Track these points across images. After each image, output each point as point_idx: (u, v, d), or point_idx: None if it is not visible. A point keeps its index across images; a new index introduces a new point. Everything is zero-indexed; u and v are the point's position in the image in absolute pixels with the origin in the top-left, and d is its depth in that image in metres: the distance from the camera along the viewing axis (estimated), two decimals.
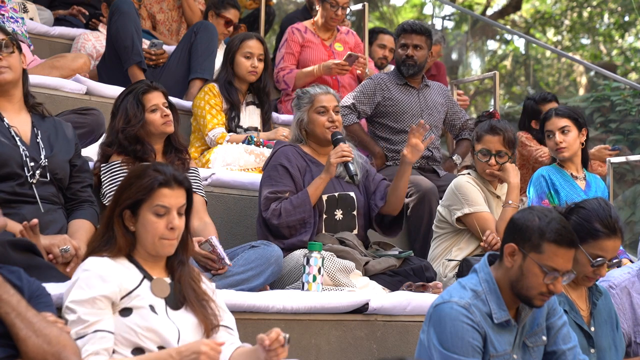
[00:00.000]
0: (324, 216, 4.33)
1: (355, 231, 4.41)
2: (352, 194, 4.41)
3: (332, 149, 4.37)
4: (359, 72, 6.18)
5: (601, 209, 3.40)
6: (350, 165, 4.30)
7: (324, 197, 4.32)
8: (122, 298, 2.84)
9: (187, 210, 3.00)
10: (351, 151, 4.29)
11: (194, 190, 4.17)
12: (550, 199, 4.80)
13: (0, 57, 3.58)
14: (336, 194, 4.36)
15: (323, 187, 4.27)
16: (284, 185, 4.27)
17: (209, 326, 2.93)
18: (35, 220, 3.28)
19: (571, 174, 4.91)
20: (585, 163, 5.02)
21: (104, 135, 4.36)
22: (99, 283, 2.81)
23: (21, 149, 3.54)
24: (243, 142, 5.10)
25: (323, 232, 4.33)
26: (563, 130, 4.87)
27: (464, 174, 4.70)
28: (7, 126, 3.57)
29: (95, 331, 2.75)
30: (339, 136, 4.37)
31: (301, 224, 4.21)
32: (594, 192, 4.93)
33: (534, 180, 4.92)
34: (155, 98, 4.14)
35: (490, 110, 4.86)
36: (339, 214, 4.37)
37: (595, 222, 3.38)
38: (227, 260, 3.84)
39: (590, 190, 4.92)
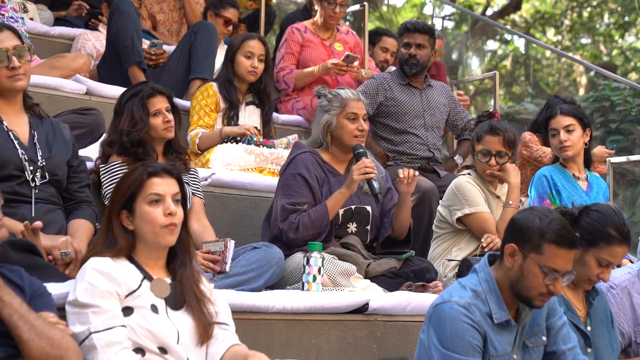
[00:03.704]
0: (336, 227, 4.27)
1: (365, 242, 4.39)
2: (368, 208, 4.34)
3: (351, 157, 4.33)
4: (355, 74, 6.17)
5: (615, 215, 3.43)
6: (374, 182, 4.20)
7: (340, 211, 4.24)
8: (126, 296, 2.85)
9: (184, 205, 3.02)
10: (374, 167, 4.20)
11: (193, 192, 4.21)
12: (552, 200, 4.78)
13: (19, 64, 3.59)
14: (353, 207, 4.29)
15: (342, 202, 4.18)
16: (303, 197, 4.18)
17: (205, 329, 2.94)
18: (39, 223, 3.28)
19: (573, 174, 4.89)
20: (587, 164, 5.00)
21: (104, 133, 4.36)
22: (106, 280, 2.83)
23: (20, 152, 3.54)
24: (243, 142, 5.08)
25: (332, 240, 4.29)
26: (567, 129, 4.86)
27: (464, 174, 4.69)
28: (6, 129, 3.57)
29: (122, 326, 2.78)
30: (360, 150, 4.28)
31: (316, 238, 4.13)
32: (595, 193, 4.91)
33: (536, 180, 4.90)
34: (159, 102, 4.13)
35: (490, 111, 4.84)
36: (352, 227, 4.31)
37: (609, 227, 3.39)
38: (227, 267, 3.84)
39: (592, 191, 4.90)
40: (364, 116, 4.37)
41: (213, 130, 5.15)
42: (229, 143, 5.06)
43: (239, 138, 5.09)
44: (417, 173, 4.37)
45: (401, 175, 4.28)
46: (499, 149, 4.56)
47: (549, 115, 4.99)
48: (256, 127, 5.32)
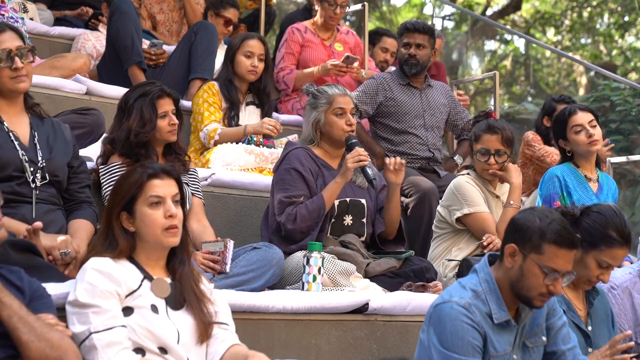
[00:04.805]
0: (332, 220, 4.30)
1: (363, 238, 4.39)
2: (363, 200, 4.37)
3: (343, 152, 4.36)
4: (355, 75, 6.17)
5: (617, 217, 3.41)
6: (368, 169, 4.24)
7: (336, 202, 4.26)
8: (126, 296, 2.85)
9: (182, 205, 3.01)
10: (367, 155, 4.24)
11: (193, 192, 4.20)
12: (562, 201, 4.74)
13: (22, 65, 3.58)
14: (347, 200, 4.32)
15: (338, 192, 4.21)
16: (298, 190, 4.21)
17: (205, 328, 2.94)
18: (39, 224, 3.28)
19: (585, 175, 4.85)
20: (598, 163, 4.96)
21: (107, 132, 4.34)
22: (106, 280, 2.83)
23: (20, 153, 3.54)
24: (243, 142, 5.09)
25: (328, 235, 4.30)
26: (592, 124, 4.81)
27: (463, 174, 4.69)
28: (6, 130, 3.57)
29: (122, 326, 2.78)
30: (353, 140, 4.31)
31: (314, 229, 4.16)
32: (605, 195, 4.85)
33: (547, 180, 4.81)
34: (167, 104, 4.12)
35: (487, 110, 4.83)
36: (348, 220, 4.34)
37: (610, 229, 3.38)
38: (227, 267, 3.84)
39: (602, 193, 4.84)
40: (351, 110, 4.39)
41: (235, 128, 5.14)
42: (229, 143, 5.07)
43: None
44: (403, 161, 4.38)
45: (387, 162, 4.30)
46: (497, 147, 4.55)
47: (567, 113, 4.88)
48: None
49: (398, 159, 4.36)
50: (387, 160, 4.35)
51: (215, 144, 5.08)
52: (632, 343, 3.34)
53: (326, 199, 4.18)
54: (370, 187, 4.38)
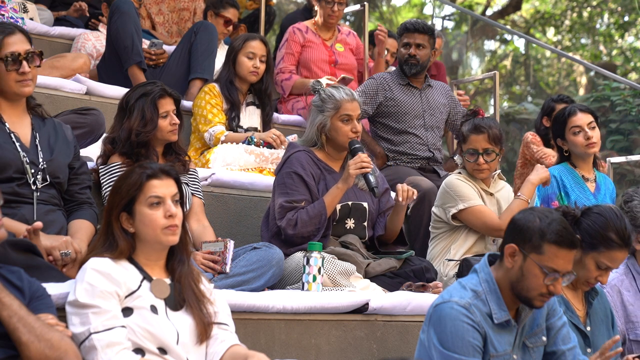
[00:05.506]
0: (334, 224, 4.29)
1: (364, 240, 4.39)
2: (365, 204, 4.34)
3: (345, 154, 4.35)
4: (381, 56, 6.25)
5: (617, 219, 3.39)
6: (370, 176, 4.19)
7: (338, 207, 4.24)
8: (126, 297, 2.85)
9: (182, 204, 3.02)
10: (370, 161, 4.21)
11: (193, 192, 4.20)
12: (560, 201, 4.74)
13: (29, 69, 3.57)
14: (349, 203, 4.30)
15: (340, 197, 4.19)
16: (300, 194, 4.19)
17: (204, 329, 2.94)
18: (39, 224, 3.28)
19: (582, 175, 4.84)
20: (595, 163, 4.96)
21: (107, 132, 4.34)
22: (105, 281, 2.83)
23: (21, 154, 3.54)
24: (243, 142, 5.10)
25: (329, 236, 4.30)
26: (591, 126, 4.80)
27: (453, 173, 4.69)
28: (8, 131, 3.57)
29: (122, 326, 2.79)
30: (357, 145, 4.28)
31: (315, 234, 4.16)
32: (602, 195, 4.85)
33: None
34: (168, 104, 4.12)
35: (474, 109, 4.79)
36: (350, 223, 4.32)
37: (611, 231, 3.37)
38: (227, 268, 3.84)
39: (599, 193, 4.85)
40: (358, 116, 4.35)
41: (243, 134, 5.15)
42: (229, 143, 5.07)
43: None
44: (415, 194, 4.29)
45: (400, 198, 4.23)
46: (485, 146, 4.53)
47: (567, 113, 4.87)
48: (256, 128, 5.33)
49: (411, 191, 4.24)
50: (400, 192, 4.20)
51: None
52: (621, 349, 3.33)
53: (327, 205, 4.16)
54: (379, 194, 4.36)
